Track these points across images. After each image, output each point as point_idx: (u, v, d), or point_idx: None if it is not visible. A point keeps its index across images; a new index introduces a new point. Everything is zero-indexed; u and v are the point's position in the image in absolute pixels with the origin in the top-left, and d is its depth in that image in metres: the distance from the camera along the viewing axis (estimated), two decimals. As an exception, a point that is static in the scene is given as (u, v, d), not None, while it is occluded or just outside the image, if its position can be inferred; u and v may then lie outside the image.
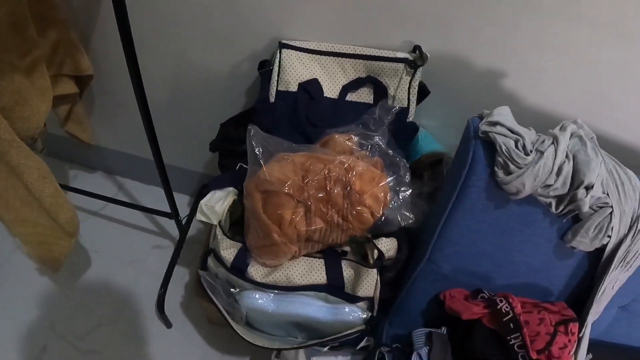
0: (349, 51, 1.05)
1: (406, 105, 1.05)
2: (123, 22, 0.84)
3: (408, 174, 0.97)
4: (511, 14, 0.92)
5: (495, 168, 0.82)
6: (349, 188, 0.90)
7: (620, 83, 0.98)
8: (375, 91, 1.07)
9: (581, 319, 0.94)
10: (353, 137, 0.98)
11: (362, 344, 1.08)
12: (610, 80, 0.98)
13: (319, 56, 1.06)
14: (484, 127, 0.82)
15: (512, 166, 0.80)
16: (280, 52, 1.05)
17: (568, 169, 0.81)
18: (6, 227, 0.99)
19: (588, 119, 0.94)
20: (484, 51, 1.00)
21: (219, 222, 1.01)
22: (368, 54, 1.04)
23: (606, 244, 0.88)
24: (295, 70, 1.06)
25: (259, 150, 0.91)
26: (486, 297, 0.95)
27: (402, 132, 1.05)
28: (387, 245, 0.97)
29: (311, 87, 1.06)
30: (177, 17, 1.12)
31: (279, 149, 0.95)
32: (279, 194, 0.89)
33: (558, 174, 0.80)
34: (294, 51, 1.05)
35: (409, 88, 1.03)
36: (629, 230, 0.88)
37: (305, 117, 1.06)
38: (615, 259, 0.89)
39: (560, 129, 0.85)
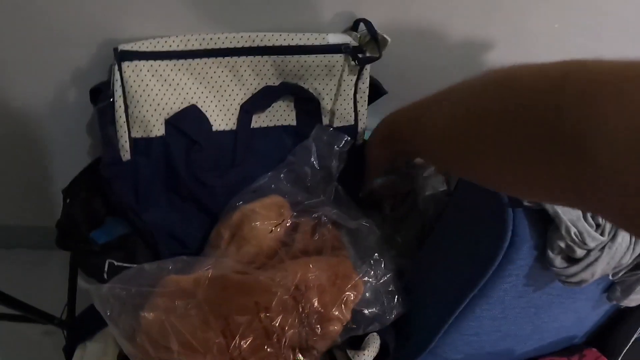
0: (244, 43, 0.60)
1: (353, 122, 0.65)
2: None
3: (384, 248, 0.62)
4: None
5: (551, 253, 0.49)
6: (304, 313, 0.53)
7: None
8: (298, 105, 0.65)
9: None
10: (282, 208, 0.59)
11: None
12: None
13: (190, 61, 0.60)
14: (530, 193, 0.48)
15: (579, 251, 0.48)
16: (120, 69, 0.57)
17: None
18: None
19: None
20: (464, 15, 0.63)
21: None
22: (277, 44, 0.61)
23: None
24: (154, 97, 0.59)
25: (120, 324, 0.49)
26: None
27: (350, 164, 0.66)
28: (371, 353, 0.64)
29: (187, 122, 0.61)
30: None
31: (156, 277, 0.53)
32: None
33: (635, 246, 0.51)
34: (143, 62, 0.58)
35: (354, 93, 0.63)
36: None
37: (189, 175, 0.62)
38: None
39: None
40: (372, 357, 0.65)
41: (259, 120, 0.65)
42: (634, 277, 0.58)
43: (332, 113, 0.65)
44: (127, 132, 0.60)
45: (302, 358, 0.57)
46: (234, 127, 0.64)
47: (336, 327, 0.58)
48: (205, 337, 0.49)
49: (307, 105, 0.65)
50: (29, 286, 0.80)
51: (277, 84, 0.64)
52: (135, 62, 0.58)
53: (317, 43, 0.61)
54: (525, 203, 0.49)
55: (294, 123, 0.66)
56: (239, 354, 0.51)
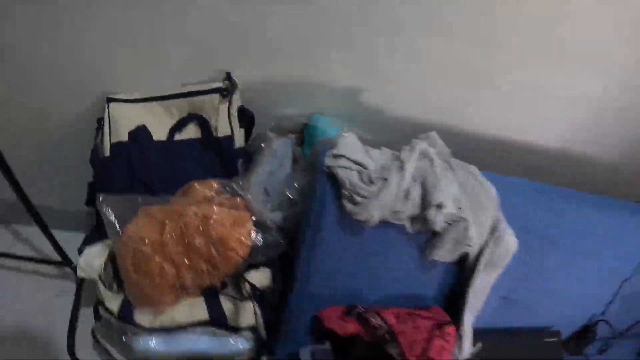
0: (172, 91, 1.09)
1: (230, 133, 1.07)
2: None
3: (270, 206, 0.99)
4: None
5: (343, 201, 0.83)
6: (210, 236, 0.91)
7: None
8: (200, 125, 1.10)
9: (458, 319, 0.99)
10: (213, 183, 0.98)
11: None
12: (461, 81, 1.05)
13: (144, 103, 1.10)
14: (328, 161, 0.84)
15: (357, 198, 0.81)
16: (108, 107, 1.07)
17: (416, 192, 0.83)
18: None
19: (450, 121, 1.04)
20: (297, 68, 1.08)
21: (100, 276, 1.00)
22: (187, 91, 1.08)
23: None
24: (124, 121, 1.08)
25: (112, 218, 0.91)
26: (361, 311, 0.98)
27: (231, 160, 1.08)
28: (259, 277, 0.99)
29: (139, 133, 1.08)
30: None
31: (135, 205, 0.95)
32: (144, 252, 0.88)
33: (406, 197, 0.83)
34: (120, 103, 1.09)
35: (228, 116, 1.06)
36: (490, 236, 0.92)
37: (141, 166, 1.06)
38: (481, 264, 0.93)
39: (410, 150, 0.87)
40: (264, 282, 0.99)
41: (179, 136, 1.10)
42: (436, 238, 0.88)
43: (217, 128, 1.08)
44: (108, 139, 1.06)
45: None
46: (165, 139, 1.10)
47: (234, 255, 0.93)
48: (150, 234, 0.88)
49: (205, 125, 1.09)
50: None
51: (186, 115, 1.10)
52: (115, 104, 1.08)
53: (205, 88, 1.08)
54: (325, 169, 0.84)
55: (200, 136, 1.11)
56: (168, 247, 0.89)
